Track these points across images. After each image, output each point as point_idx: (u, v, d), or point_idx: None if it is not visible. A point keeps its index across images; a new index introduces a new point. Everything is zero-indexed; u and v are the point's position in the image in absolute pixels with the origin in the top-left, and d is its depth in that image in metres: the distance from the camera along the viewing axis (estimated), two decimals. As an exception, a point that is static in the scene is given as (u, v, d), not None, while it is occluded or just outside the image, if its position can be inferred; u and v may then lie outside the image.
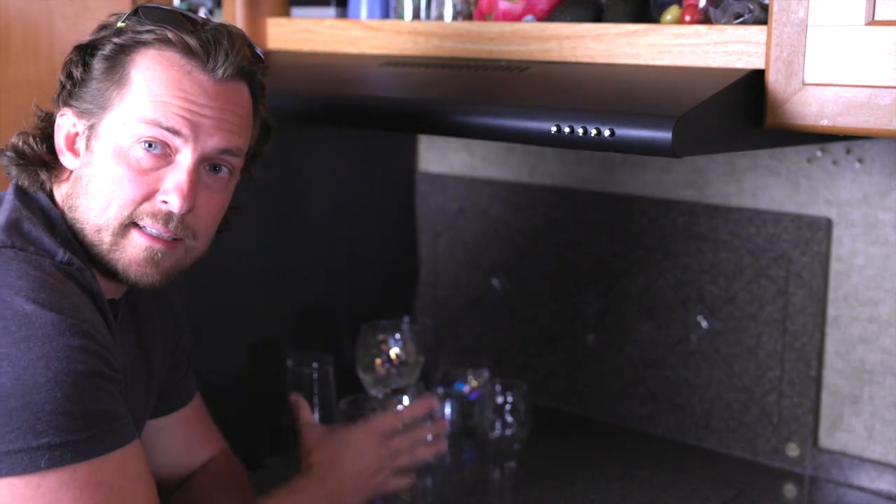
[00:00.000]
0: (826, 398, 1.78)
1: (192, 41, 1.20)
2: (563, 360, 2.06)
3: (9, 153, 1.26)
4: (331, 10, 1.81)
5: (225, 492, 1.49)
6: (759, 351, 1.82)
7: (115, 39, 1.22)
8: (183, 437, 1.51)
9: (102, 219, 1.20)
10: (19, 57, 1.78)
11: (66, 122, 1.25)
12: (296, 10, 1.86)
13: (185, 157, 1.20)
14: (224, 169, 1.25)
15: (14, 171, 1.26)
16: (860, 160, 1.70)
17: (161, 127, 1.19)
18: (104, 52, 1.22)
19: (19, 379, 1.05)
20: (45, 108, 1.31)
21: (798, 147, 1.75)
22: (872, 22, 1.22)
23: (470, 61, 1.56)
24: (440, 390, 1.89)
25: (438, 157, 2.21)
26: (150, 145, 1.19)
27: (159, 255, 1.22)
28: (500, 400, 1.82)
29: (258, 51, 1.30)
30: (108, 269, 1.23)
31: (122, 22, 1.24)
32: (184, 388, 1.51)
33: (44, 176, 1.25)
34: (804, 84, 1.27)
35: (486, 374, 1.94)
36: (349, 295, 2.05)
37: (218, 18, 1.92)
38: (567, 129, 1.27)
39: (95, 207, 1.20)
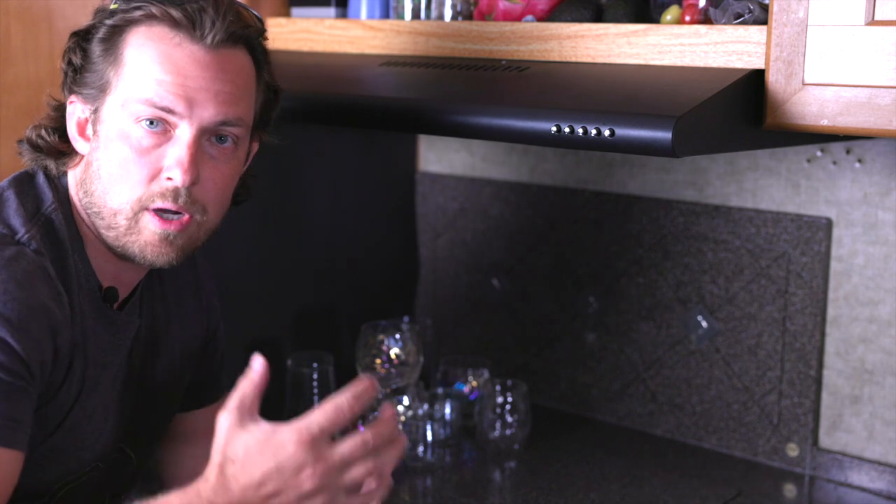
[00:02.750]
0: (826, 398, 1.78)
1: (175, 13, 1.21)
2: (563, 360, 2.06)
3: (24, 146, 1.30)
4: (331, 10, 1.81)
5: None
6: (759, 351, 1.82)
7: (108, 21, 1.24)
8: None
9: (117, 203, 1.22)
10: (19, 57, 1.78)
11: (76, 110, 1.27)
12: (296, 10, 1.86)
13: (184, 132, 1.21)
14: (228, 139, 1.25)
15: (28, 160, 1.31)
16: (860, 160, 1.70)
17: (156, 107, 1.20)
18: (99, 36, 1.24)
19: None
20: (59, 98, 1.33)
21: (798, 147, 1.75)
22: (872, 22, 1.22)
23: (470, 61, 1.56)
24: (440, 390, 1.90)
25: (438, 157, 2.21)
26: (150, 123, 1.21)
27: (172, 235, 1.23)
28: (500, 400, 1.82)
29: (255, 14, 1.30)
30: (125, 253, 1.25)
31: (115, 4, 1.26)
32: (218, 382, 1.52)
33: (50, 163, 1.28)
34: (804, 84, 1.27)
35: (486, 374, 1.94)
36: (349, 295, 2.05)
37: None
38: (567, 129, 1.27)
39: (110, 192, 1.23)
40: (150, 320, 1.37)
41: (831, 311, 1.76)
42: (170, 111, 1.20)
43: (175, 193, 1.21)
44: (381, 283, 2.15)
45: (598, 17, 1.51)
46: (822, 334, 1.76)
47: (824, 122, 1.27)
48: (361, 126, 1.71)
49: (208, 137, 1.23)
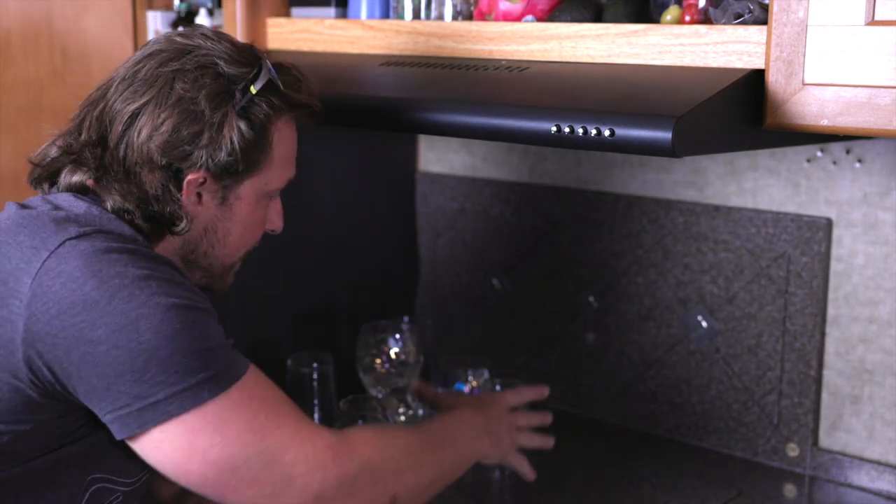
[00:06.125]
0: (826, 398, 1.78)
1: (321, 109, 1.38)
2: (563, 360, 2.06)
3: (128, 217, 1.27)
4: (331, 10, 1.81)
5: None
6: (759, 351, 1.82)
7: (264, 107, 1.29)
8: None
9: (232, 259, 1.38)
10: (19, 57, 1.78)
11: (196, 184, 1.28)
12: (296, 10, 1.86)
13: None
14: None
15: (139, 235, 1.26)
16: (860, 160, 1.70)
17: (289, 182, 1.38)
18: (256, 118, 1.28)
19: (160, 331, 1.14)
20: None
21: (798, 147, 1.75)
22: (872, 22, 1.22)
23: (470, 61, 1.56)
24: (440, 390, 1.89)
25: (438, 157, 2.21)
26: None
27: None
28: (500, 400, 1.81)
29: None
30: (206, 288, 1.37)
31: (253, 87, 1.28)
32: None
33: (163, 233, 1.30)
34: (804, 84, 1.27)
35: (486, 374, 1.94)
36: (349, 295, 2.05)
37: (218, 19, 1.92)
38: (567, 129, 1.27)
39: (230, 252, 1.36)
40: None
41: (831, 311, 1.76)
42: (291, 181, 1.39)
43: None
44: (381, 282, 2.15)
45: (598, 17, 1.51)
46: (822, 334, 1.76)
47: (824, 122, 1.27)
48: (361, 126, 1.71)
49: None
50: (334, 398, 1.83)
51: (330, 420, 1.81)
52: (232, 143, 1.25)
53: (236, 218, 1.33)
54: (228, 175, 1.28)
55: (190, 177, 1.26)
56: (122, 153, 1.25)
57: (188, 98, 1.24)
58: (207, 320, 1.19)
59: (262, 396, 1.21)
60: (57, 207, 1.24)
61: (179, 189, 1.26)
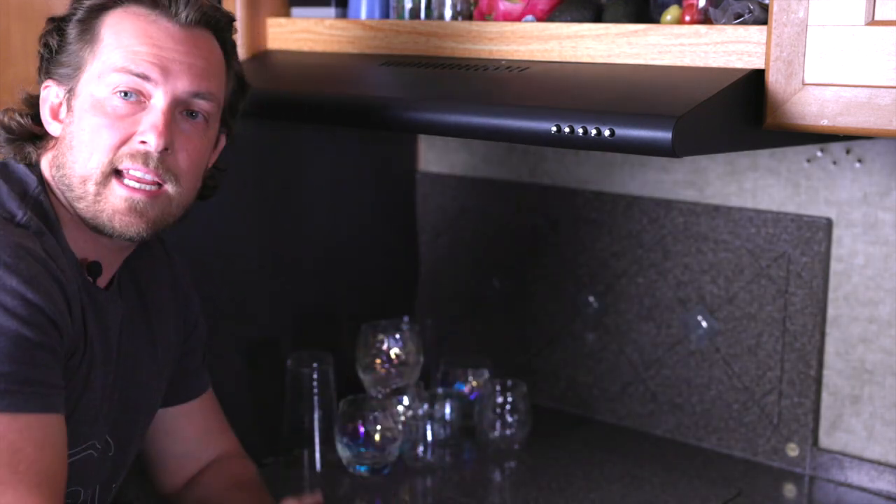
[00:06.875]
0: (826, 398, 1.78)
1: None
2: (563, 360, 2.06)
3: None
4: (331, 10, 1.81)
5: (238, 490, 1.49)
6: (759, 351, 1.82)
7: (86, 3, 1.28)
8: (199, 428, 1.53)
9: (86, 168, 1.24)
10: (19, 57, 1.78)
11: (50, 94, 1.30)
12: (296, 10, 1.86)
13: (158, 100, 1.24)
14: (199, 115, 1.28)
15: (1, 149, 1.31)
16: (860, 160, 1.70)
17: (132, 73, 1.24)
18: (77, 18, 1.28)
19: None
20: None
21: (798, 147, 1.75)
22: (872, 22, 1.22)
23: (470, 61, 1.56)
24: (440, 390, 1.90)
25: (438, 157, 2.21)
26: (124, 94, 1.24)
27: (141, 204, 1.25)
28: (500, 400, 1.82)
29: (226, 11, 1.35)
30: (96, 223, 1.26)
31: None
32: (199, 377, 1.53)
33: (30, 148, 1.30)
34: (804, 84, 1.27)
35: (486, 374, 1.94)
36: (349, 295, 2.05)
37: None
38: (567, 129, 1.27)
39: (80, 159, 1.25)
40: (132, 312, 1.37)
41: (831, 311, 1.76)
42: (145, 77, 1.24)
43: (146, 157, 1.24)
44: (381, 283, 2.15)
45: (598, 17, 1.51)
46: (822, 334, 1.76)
47: (824, 122, 1.27)
48: (361, 126, 1.71)
49: (181, 111, 1.27)
50: (334, 398, 1.83)
51: (330, 420, 1.81)
52: (54, 46, 1.28)
53: (76, 119, 1.26)
54: (67, 80, 1.27)
55: (42, 90, 1.29)
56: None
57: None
58: (20, 341, 1.13)
59: (15, 446, 1.11)
60: None
61: (39, 115, 1.30)
